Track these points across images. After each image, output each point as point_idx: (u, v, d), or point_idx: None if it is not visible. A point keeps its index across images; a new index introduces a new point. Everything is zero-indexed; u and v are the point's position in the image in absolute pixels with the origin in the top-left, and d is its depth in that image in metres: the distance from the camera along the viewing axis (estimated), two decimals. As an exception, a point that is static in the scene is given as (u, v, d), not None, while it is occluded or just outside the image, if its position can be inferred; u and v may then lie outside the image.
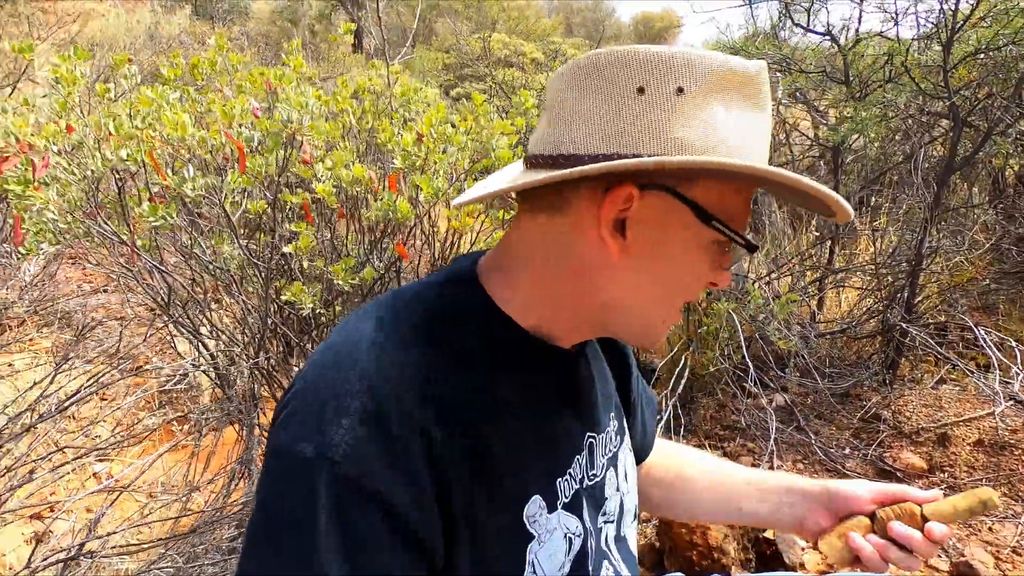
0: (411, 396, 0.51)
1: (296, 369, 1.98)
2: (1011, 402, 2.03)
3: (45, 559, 1.30)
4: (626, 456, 0.76)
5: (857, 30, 2.94)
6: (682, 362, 2.68)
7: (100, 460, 2.48)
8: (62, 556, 1.42)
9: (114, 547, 1.58)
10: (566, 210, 0.56)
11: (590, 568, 0.64)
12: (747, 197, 0.57)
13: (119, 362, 2.45)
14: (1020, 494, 1.87)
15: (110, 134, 1.33)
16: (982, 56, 2.36)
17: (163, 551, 1.71)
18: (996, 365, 1.93)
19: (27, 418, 1.67)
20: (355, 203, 1.47)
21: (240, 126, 1.41)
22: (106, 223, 1.46)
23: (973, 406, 2.24)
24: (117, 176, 1.48)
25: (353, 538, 0.48)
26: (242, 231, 1.90)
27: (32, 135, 1.18)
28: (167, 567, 1.56)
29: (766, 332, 2.60)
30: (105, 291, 4.62)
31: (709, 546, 1.66)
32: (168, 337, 2.88)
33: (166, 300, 1.82)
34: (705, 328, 2.63)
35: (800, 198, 0.56)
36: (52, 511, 2.00)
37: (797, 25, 3.04)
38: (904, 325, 2.28)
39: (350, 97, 1.81)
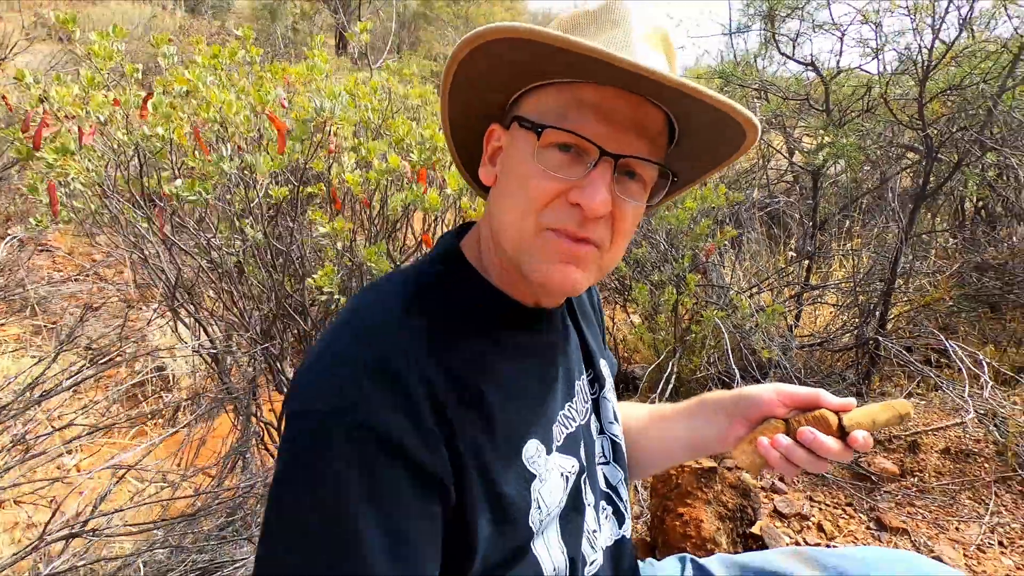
0: (416, 355, 0.56)
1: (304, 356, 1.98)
2: (975, 413, 2.18)
3: (36, 542, 1.28)
4: (607, 403, 0.83)
5: (838, 62, 3.14)
6: (668, 368, 2.77)
7: (69, 451, 2.42)
8: (64, 534, 1.40)
9: (108, 530, 1.56)
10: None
11: (584, 501, 0.71)
12: (575, 100, 0.57)
13: (111, 348, 2.40)
14: (983, 498, 2.01)
15: (142, 112, 1.34)
16: (954, 93, 2.55)
17: (157, 535, 1.68)
18: (966, 377, 2.08)
19: (28, 395, 1.64)
20: (382, 193, 1.51)
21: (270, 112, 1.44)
22: (139, 201, 1.46)
23: (939, 417, 2.38)
24: (140, 154, 1.49)
25: (374, 482, 0.51)
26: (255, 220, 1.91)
27: (70, 103, 1.19)
28: (159, 551, 1.54)
29: (750, 342, 2.72)
30: (76, 280, 4.49)
31: (703, 538, 1.74)
32: (163, 323, 2.84)
33: (173, 283, 1.82)
34: (693, 335, 2.74)
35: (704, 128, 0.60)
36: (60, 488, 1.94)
37: (783, 54, 3.21)
38: (880, 339, 2.42)
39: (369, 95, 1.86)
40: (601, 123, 0.57)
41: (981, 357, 2.06)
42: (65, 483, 2.03)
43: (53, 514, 1.24)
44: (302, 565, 0.50)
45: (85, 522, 1.40)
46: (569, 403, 0.72)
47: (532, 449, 0.63)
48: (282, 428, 0.60)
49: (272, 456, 2.19)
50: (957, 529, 1.90)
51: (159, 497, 1.90)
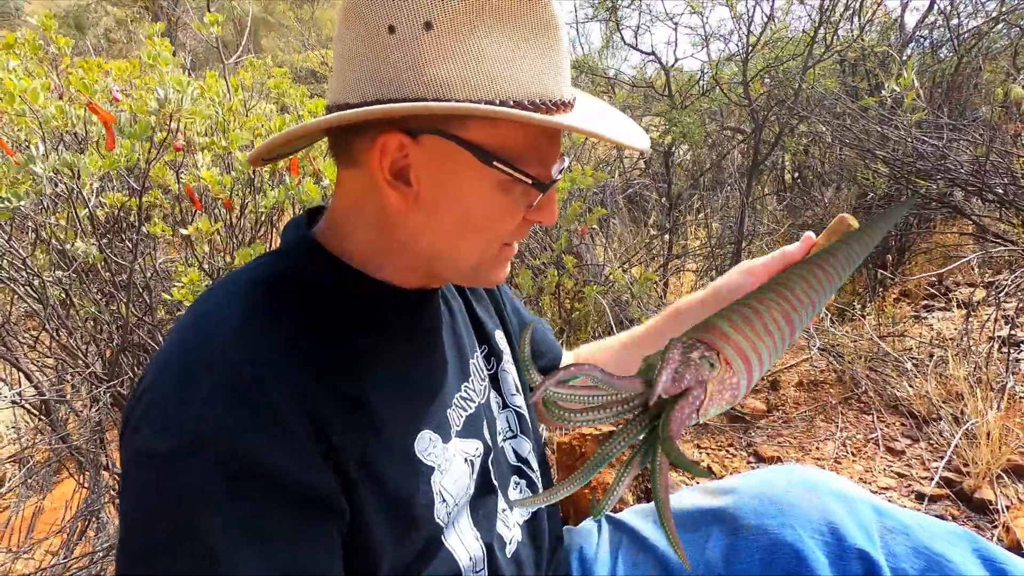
0: (277, 360, 0.48)
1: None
2: (818, 348, 2.50)
3: None
4: (507, 375, 0.79)
5: (675, 52, 3.43)
6: (558, 348, 2.86)
7: None
8: None
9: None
10: (359, 163, 0.55)
11: (495, 482, 0.68)
12: (541, 130, 0.53)
13: None
14: (833, 418, 2.31)
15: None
16: (770, 72, 2.92)
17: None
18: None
19: None
20: (243, 196, 1.34)
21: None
22: None
23: (790, 355, 2.71)
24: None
25: (251, 521, 0.44)
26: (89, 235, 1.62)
27: None
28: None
29: (629, 312, 2.89)
30: None
31: (611, 499, 1.80)
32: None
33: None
34: (578, 313, 2.84)
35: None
36: None
37: (628, 45, 3.45)
38: (736, 294, 2.69)
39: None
40: (556, 148, 0.56)
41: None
42: None
43: None
44: None
45: None
46: (465, 383, 0.68)
47: (425, 441, 0.58)
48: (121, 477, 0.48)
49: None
50: (817, 448, 2.17)
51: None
